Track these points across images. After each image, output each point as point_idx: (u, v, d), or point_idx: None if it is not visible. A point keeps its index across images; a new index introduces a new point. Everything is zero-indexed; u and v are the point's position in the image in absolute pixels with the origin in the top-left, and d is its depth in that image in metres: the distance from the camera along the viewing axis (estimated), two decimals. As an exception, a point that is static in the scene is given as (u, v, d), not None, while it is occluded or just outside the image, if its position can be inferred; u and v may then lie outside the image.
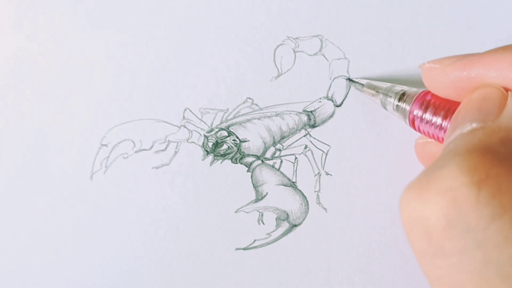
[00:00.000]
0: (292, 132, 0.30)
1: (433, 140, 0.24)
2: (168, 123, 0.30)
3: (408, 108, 0.25)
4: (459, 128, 0.19)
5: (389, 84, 0.27)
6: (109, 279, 0.29)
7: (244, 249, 0.29)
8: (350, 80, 0.29)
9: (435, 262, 0.17)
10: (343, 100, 0.30)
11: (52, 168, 0.29)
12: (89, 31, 0.30)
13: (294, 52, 0.30)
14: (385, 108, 0.27)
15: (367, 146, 0.29)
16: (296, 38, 0.30)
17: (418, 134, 0.25)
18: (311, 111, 0.30)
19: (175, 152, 0.29)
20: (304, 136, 0.30)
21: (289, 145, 0.30)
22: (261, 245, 0.29)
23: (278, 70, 0.30)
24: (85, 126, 0.29)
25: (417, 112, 0.24)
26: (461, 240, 0.16)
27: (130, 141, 0.30)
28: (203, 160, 0.29)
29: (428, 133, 0.24)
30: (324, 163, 0.30)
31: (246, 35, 0.30)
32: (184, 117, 0.30)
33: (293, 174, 0.30)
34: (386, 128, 0.30)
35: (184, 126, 0.30)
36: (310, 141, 0.30)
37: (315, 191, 0.29)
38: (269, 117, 0.30)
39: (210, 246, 0.29)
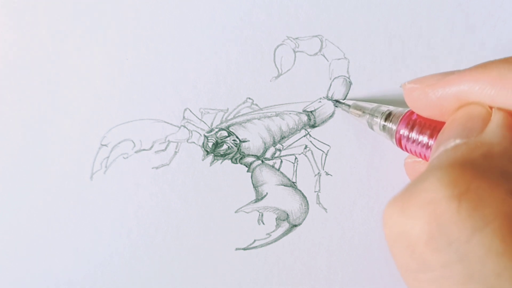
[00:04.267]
0: (292, 132, 0.30)
1: (421, 159, 0.24)
2: (168, 123, 0.30)
3: (394, 127, 0.25)
4: (443, 145, 0.19)
5: (375, 105, 0.27)
6: (109, 279, 0.29)
7: (244, 249, 0.29)
8: (336, 101, 0.30)
9: (418, 277, 0.17)
10: (343, 100, 0.30)
11: (52, 168, 0.29)
12: (89, 31, 0.30)
13: (294, 52, 0.30)
14: (371, 128, 0.27)
15: (367, 146, 0.29)
16: (296, 38, 0.30)
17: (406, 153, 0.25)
18: (311, 111, 0.30)
19: (175, 152, 0.29)
20: (304, 136, 0.30)
21: (289, 145, 0.30)
22: (261, 245, 0.29)
23: (278, 70, 0.30)
24: (85, 126, 0.29)
25: (403, 131, 0.24)
26: (444, 253, 0.16)
27: (130, 141, 0.30)
28: (203, 160, 0.29)
29: (415, 152, 0.24)
30: (324, 163, 0.30)
31: (246, 35, 0.30)
32: (184, 117, 0.30)
33: (293, 174, 0.30)
34: (386, 128, 0.30)
35: (184, 126, 0.30)
36: (310, 141, 0.30)
37: (315, 191, 0.29)
38: (269, 117, 0.30)
39: (210, 246, 0.29)
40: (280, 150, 0.30)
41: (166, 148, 0.30)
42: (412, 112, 0.24)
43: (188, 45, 0.30)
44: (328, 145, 0.30)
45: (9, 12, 0.30)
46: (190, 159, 0.30)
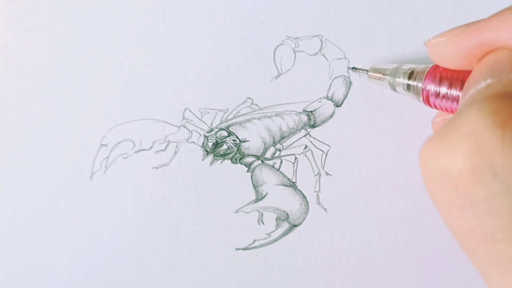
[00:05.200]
0: (292, 132, 0.30)
1: (451, 114, 0.23)
2: (168, 123, 0.30)
3: (420, 85, 0.24)
4: (473, 87, 0.18)
5: (395, 65, 0.26)
6: (109, 279, 0.29)
7: (244, 249, 0.29)
8: (353, 68, 0.29)
9: (462, 214, 0.16)
10: (343, 100, 0.30)
11: (52, 168, 0.29)
12: (89, 31, 0.30)
13: (294, 52, 0.30)
14: (394, 90, 0.26)
15: (367, 146, 0.29)
16: (296, 38, 0.30)
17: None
18: (311, 111, 0.30)
19: (175, 152, 0.29)
20: (304, 136, 0.30)
21: (289, 145, 0.30)
22: (261, 245, 0.29)
23: (278, 70, 0.30)
24: (85, 126, 0.29)
25: (431, 87, 0.23)
26: (489, 185, 0.15)
27: (130, 141, 0.30)
28: (203, 160, 0.29)
29: (445, 107, 0.23)
30: (324, 163, 0.30)
31: (246, 35, 0.30)
32: (184, 117, 0.30)
33: (293, 174, 0.30)
34: (386, 128, 0.30)
35: (184, 126, 0.30)
36: (310, 141, 0.30)
37: (315, 191, 0.29)
38: (269, 117, 0.30)
39: (210, 246, 0.29)
40: (280, 150, 0.30)
41: (166, 148, 0.29)
42: (436, 67, 0.23)
43: (188, 45, 0.30)
44: (328, 145, 0.30)
45: (9, 12, 0.30)
46: (190, 159, 0.30)
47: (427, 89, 0.23)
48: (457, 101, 0.22)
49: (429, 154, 0.17)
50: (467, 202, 0.16)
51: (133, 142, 0.29)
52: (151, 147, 0.29)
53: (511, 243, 0.16)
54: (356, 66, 0.29)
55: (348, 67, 0.29)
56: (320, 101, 0.30)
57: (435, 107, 0.24)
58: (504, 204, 0.15)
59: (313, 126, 0.30)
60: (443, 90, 0.23)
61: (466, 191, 0.16)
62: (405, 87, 0.25)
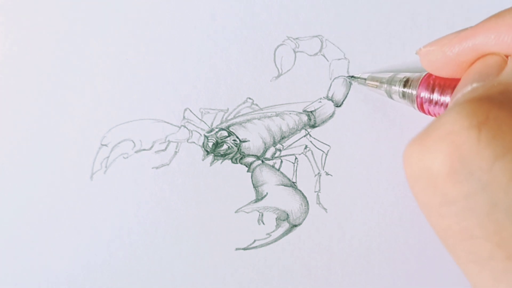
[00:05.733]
0: (292, 132, 0.30)
1: None
2: (168, 123, 0.30)
3: (414, 92, 0.25)
4: (460, 92, 0.19)
5: (391, 74, 0.28)
6: (109, 279, 0.29)
7: (244, 249, 0.29)
8: (351, 77, 0.30)
9: (441, 212, 0.17)
10: (343, 100, 0.30)
11: (52, 168, 0.29)
12: (89, 31, 0.30)
13: (294, 52, 0.30)
14: (390, 97, 0.27)
15: (367, 146, 0.29)
16: (296, 38, 0.30)
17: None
18: (311, 111, 0.30)
19: (175, 152, 0.29)
20: (304, 136, 0.30)
21: (289, 145, 0.30)
22: (261, 245, 0.29)
23: (278, 70, 0.30)
24: (85, 126, 0.29)
25: (424, 94, 0.24)
26: (466, 184, 0.16)
27: (130, 141, 0.30)
28: (203, 160, 0.29)
29: (439, 114, 0.24)
30: (324, 163, 0.30)
31: (246, 35, 0.30)
32: (184, 117, 0.30)
33: (293, 174, 0.30)
34: (386, 128, 0.30)
35: (184, 126, 0.30)
36: (310, 141, 0.30)
37: (315, 191, 0.29)
38: (269, 117, 0.30)
39: (210, 246, 0.29)
40: (280, 150, 0.30)
41: (166, 148, 0.29)
42: (430, 75, 0.24)
43: (188, 45, 0.30)
44: (328, 145, 0.30)
45: (9, 12, 0.30)
46: (190, 159, 0.30)
47: (421, 96, 0.24)
48: None
49: (411, 154, 0.18)
50: (446, 201, 0.17)
51: (133, 142, 0.29)
52: (151, 147, 0.29)
53: (489, 240, 0.16)
54: (355, 75, 0.29)
55: (347, 76, 0.30)
56: (320, 101, 0.30)
57: (429, 113, 0.25)
58: (481, 202, 0.16)
59: (313, 126, 0.30)
60: (436, 97, 0.24)
61: (445, 190, 0.16)
62: (401, 95, 0.26)
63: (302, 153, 0.30)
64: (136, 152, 0.30)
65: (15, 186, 0.29)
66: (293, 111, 0.30)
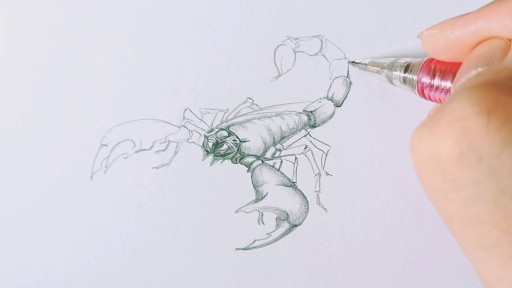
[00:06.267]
0: (292, 132, 0.30)
1: None
2: (168, 123, 0.30)
3: (415, 78, 0.25)
4: (464, 76, 0.19)
5: (392, 59, 0.27)
6: (109, 279, 0.29)
7: (244, 249, 0.29)
8: (353, 62, 0.29)
9: (449, 197, 0.17)
10: (343, 100, 0.30)
11: (52, 168, 0.29)
12: (90, 31, 0.30)
13: (294, 52, 0.30)
14: (391, 82, 0.27)
15: (367, 146, 0.29)
16: (296, 38, 0.30)
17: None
18: (311, 111, 0.30)
19: (175, 152, 0.29)
20: (304, 136, 0.30)
21: (289, 145, 0.30)
22: (261, 245, 0.29)
23: (278, 70, 0.30)
24: (85, 126, 0.29)
25: (425, 79, 0.24)
26: (474, 170, 0.16)
27: (130, 141, 0.30)
28: (203, 160, 0.29)
29: (440, 99, 0.23)
30: (324, 163, 0.30)
31: (246, 35, 0.30)
32: (184, 117, 0.30)
33: (293, 174, 0.30)
34: (386, 128, 0.30)
35: (184, 126, 0.30)
36: (310, 141, 0.30)
37: (315, 191, 0.29)
38: (269, 117, 0.30)
39: (210, 246, 0.29)
40: (280, 150, 0.30)
41: (166, 148, 0.29)
42: (431, 60, 0.24)
43: (188, 45, 0.30)
44: (328, 145, 0.30)
45: (9, 12, 0.30)
46: (190, 159, 0.30)
47: (421, 81, 0.24)
48: (451, 93, 0.23)
49: (418, 140, 0.18)
50: (454, 186, 0.17)
51: (134, 142, 0.29)
52: (152, 147, 0.30)
53: (496, 226, 0.16)
54: (356, 60, 0.29)
55: (348, 61, 0.29)
56: (320, 101, 0.30)
57: (430, 99, 0.24)
58: (489, 188, 0.16)
59: (313, 126, 0.30)
60: (437, 82, 0.23)
61: (453, 176, 0.16)
62: (401, 80, 0.26)
63: (302, 153, 0.30)
64: (136, 152, 0.30)
65: (16, 186, 0.29)
66: (293, 111, 0.30)
